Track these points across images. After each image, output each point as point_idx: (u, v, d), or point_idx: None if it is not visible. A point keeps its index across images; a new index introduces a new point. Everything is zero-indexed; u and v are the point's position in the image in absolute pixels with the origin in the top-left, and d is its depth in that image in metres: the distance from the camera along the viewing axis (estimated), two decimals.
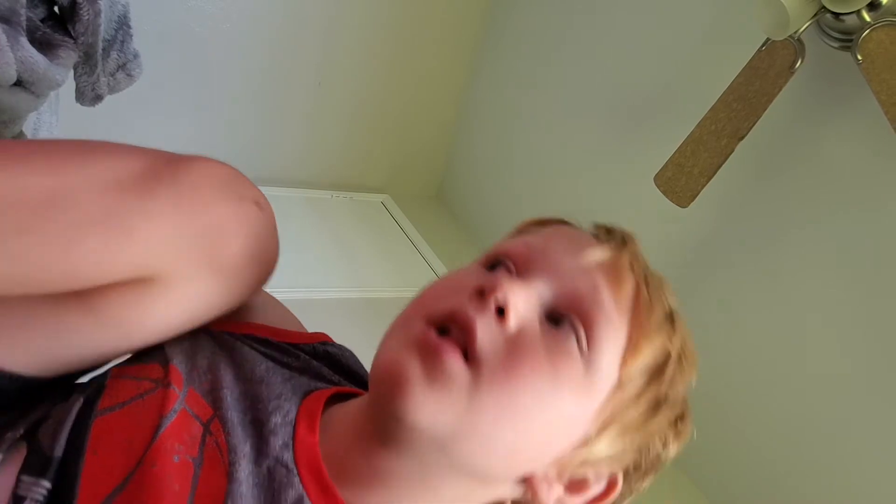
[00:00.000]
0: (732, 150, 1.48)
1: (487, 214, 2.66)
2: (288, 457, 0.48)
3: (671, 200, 1.61)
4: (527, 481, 0.50)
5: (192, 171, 0.49)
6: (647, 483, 0.53)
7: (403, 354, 0.46)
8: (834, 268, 1.52)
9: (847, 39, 1.38)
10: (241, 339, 0.59)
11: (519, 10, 2.46)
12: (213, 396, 0.51)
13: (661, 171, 1.62)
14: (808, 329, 1.57)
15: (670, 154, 1.59)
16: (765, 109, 1.43)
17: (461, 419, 0.44)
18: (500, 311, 0.47)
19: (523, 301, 0.48)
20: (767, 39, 1.42)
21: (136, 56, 1.09)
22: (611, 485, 0.52)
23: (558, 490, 0.51)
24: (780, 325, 1.63)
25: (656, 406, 0.50)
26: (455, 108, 2.77)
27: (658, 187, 1.63)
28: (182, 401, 0.49)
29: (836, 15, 1.31)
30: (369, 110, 2.56)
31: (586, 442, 0.49)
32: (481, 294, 0.48)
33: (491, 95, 2.62)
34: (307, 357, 0.62)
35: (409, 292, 0.62)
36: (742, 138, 1.46)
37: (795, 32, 1.36)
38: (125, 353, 0.56)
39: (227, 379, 0.53)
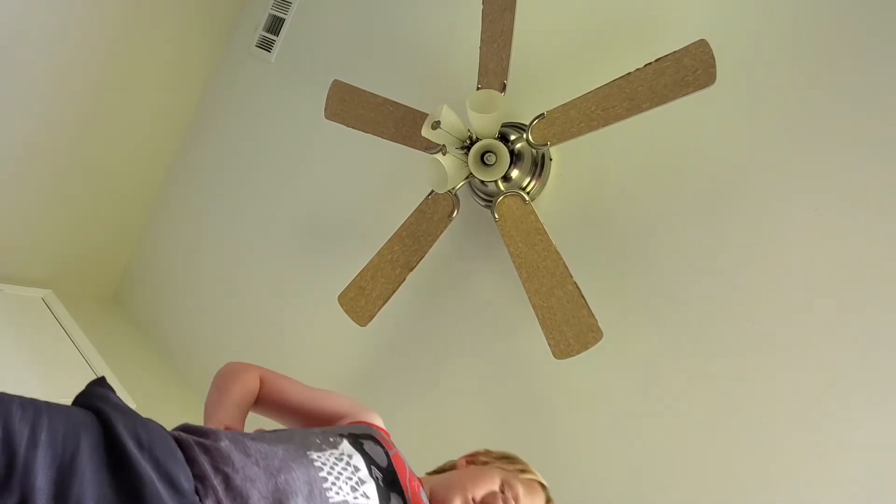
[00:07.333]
0: (404, 279, 1.72)
1: (168, 322, 2.55)
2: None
3: (352, 319, 1.78)
4: None
5: None
6: None
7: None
8: (477, 379, 1.83)
9: (490, 200, 1.77)
10: None
11: (223, 122, 2.54)
12: None
13: (344, 291, 1.80)
14: (461, 436, 1.83)
15: (352, 277, 1.78)
16: (430, 246, 1.72)
17: None
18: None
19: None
20: (433, 191, 1.72)
21: None
22: None
23: None
24: (436, 433, 1.87)
25: None
26: (146, 212, 2.66)
27: (341, 306, 1.80)
28: None
29: (482, 181, 1.67)
30: (42, 194, 2.32)
31: None
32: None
33: (184, 205, 2.60)
34: None
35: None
36: (412, 269, 1.72)
37: (453, 189, 1.69)
38: None
39: None
